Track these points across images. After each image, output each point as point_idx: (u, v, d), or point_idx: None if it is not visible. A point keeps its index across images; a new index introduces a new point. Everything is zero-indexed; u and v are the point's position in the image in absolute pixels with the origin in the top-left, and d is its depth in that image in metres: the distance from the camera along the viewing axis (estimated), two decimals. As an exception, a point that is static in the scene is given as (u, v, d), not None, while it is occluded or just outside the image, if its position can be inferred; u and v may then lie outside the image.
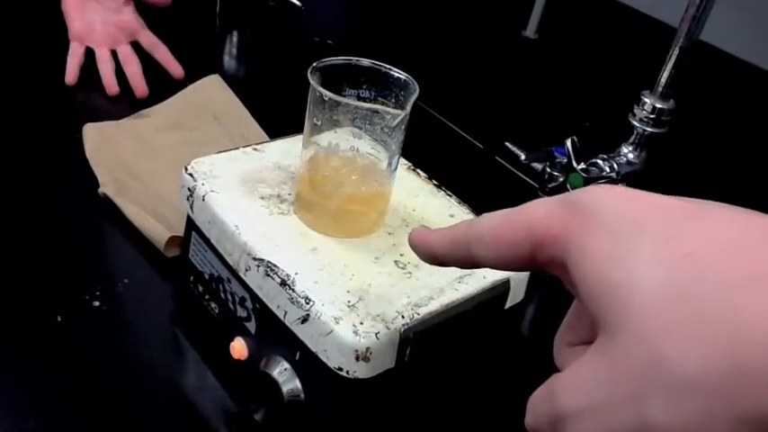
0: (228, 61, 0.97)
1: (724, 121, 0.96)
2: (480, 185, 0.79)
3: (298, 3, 1.00)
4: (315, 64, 0.44)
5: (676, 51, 0.64)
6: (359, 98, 0.46)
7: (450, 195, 0.53)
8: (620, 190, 0.26)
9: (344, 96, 0.45)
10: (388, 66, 0.45)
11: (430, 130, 0.86)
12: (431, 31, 1.11)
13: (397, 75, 0.45)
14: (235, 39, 1.01)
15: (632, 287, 0.22)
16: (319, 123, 0.45)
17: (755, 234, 0.22)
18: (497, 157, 0.84)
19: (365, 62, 0.46)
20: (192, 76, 0.83)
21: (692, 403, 0.20)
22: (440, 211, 0.51)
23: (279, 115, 0.80)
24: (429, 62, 1.00)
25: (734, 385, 0.20)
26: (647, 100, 0.65)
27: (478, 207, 0.55)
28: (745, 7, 0.99)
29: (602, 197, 0.25)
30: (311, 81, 0.43)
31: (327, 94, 0.42)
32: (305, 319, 0.42)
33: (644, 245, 0.23)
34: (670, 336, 0.21)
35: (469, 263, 0.30)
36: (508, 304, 0.49)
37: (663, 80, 0.64)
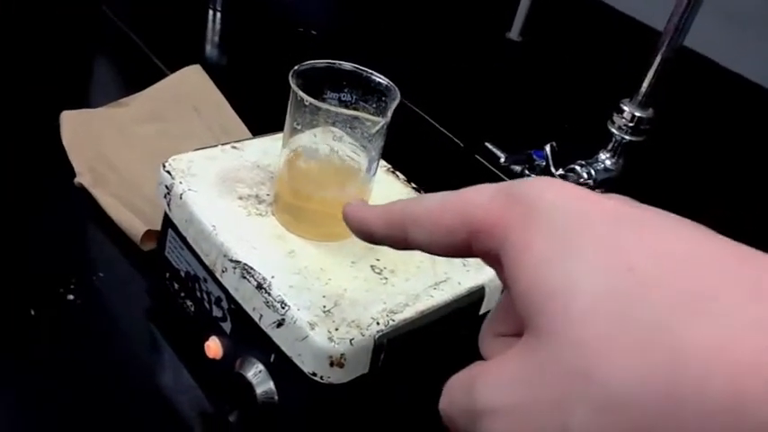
0: (211, 50, 0.96)
1: (703, 129, 0.97)
2: (459, 183, 0.79)
3: (282, -7, 0.99)
4: (296, 67, 0.43)
5: (658, 59, 0.65)
6: (340, 101, 0.46)
7: (428, 199, 0.53)
8: (569, 187, 0.24)
9: (325, 99, 0.45)
10: (370, 70, 0.45)
11: (411, 126, 0.86)
12: (415, 29, 1.10)
13: (378, 80, 0.45)
14: (218, 28, 1.00)
15: (570, 294, 0.21)
16: (299, 127, 0.45)
17: (705, 255, 0.21)
18: (477, 156, 0.84)
19: (347, 66, 0.46)
20: (174, 64, 0.83)
21: (615, 421, 0.20)
22: (418, 215, 0.51)
23: (260, 108, 0.79)
24: (413, 59, 1.00)
25: (662, 411, 0.19)
26: (626, 108, 0.66)
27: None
28: (728, 13, 1.00)
29: (548, 192, 0.24)
30: (292, 85, 0.42)
31: (308, 99, 0.42)
32: (280, 324, 0.42)
33: (587, 251, 0.21)
34: (604, 350, 0.20)
35: (404, 244, 0.29)
36: (483, 310, 0.49)
37: (643, 89, 0.64)
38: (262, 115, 0.77)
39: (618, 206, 0.23)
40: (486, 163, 0.82)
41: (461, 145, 0.86)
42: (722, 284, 0.20)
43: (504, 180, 0.83)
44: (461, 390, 0.24)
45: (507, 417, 0.22)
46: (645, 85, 0.64)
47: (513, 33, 1.05)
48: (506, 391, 0.22)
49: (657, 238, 0.21)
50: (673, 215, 0.23)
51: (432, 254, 0.28)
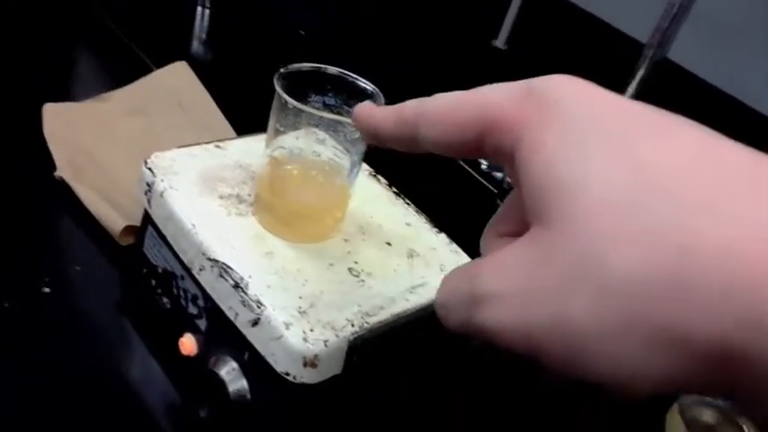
0: (198, 47, 0.96)
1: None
2: (440, 188, 0.80)
3: (271, -7, 0.99)
4: (281, 70, 0.44)
5: (641, 72, 0.66)
6: (324, 105, 0.46)
7: (408, 204, 0.54)
8: (587, 85, 0.24)
9: (309, 102, 0.46)
10: (355, 75, 0.46)
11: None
12: (403, 34, 1.11)
13: (363, 85, 0.46)
14: (206, 25, 1.00)
15: (582, 186, 0.21)
16: (282, 128, 0.45)
17: (715, 156, 0.21)
18: (459, 161, 0.85)
19: (332, 70, 0.46)
20: (161, 61, 0.83)
21: (616, 306, 0.20)
22: (397, 219, 0.52)
23: (245, 106, 0.79)
24: (399, 63, 1.00)
25: (667, 296, 0.19)
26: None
27: (437, 210, 0.55)
28: (713, 26, 1.01)
29: (567, 89, 0.24)
30: (276, 87, 0.43)
31: (292, 102, 0.42)
32: (255, 323, 0.42)
33: (601, 148, 0.22)
34: (613, 238, 0.20)
35: (413, 144, 0.29)
36: (458, 316, 0.49)
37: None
38: (246, 114, 0.77)
39: (634, 106, 0.23)
40: (468, 168, 0.83)
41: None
42: (730, 184, 0.20)
43: (486, 186, 0.84)
44: (463, 278, 0.24)
45: (508, 301, 0.22)
46: (628, 95, 0.65)
47: (500, 42, 1.06)
48: (510, 275, 0.23)
49: (672, 138, 0.22)
50: (689, 120, 0.23)
51: (440, 153, 0.28)
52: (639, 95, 0.67)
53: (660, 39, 0.66)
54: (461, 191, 0.82)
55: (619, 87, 0.69)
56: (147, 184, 0.49)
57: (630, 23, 1.14)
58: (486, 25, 1.10)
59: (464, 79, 1.03)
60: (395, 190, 0.55)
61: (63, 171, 0.65)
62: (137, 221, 0.56)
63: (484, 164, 0.76)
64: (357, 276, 0.46)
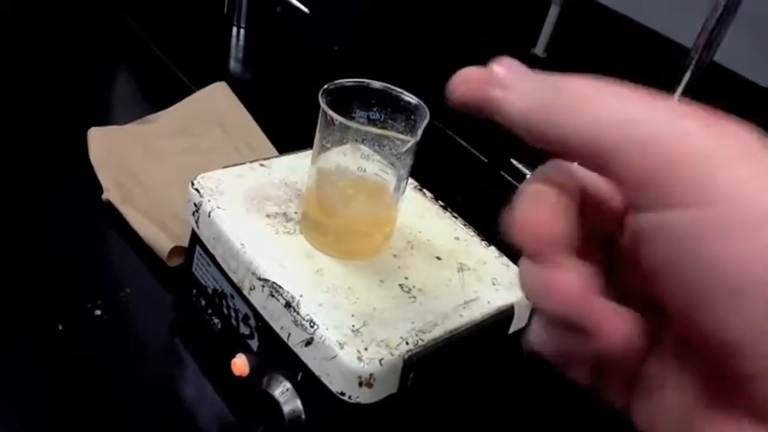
0: (235, 67, 0.97)
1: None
2: (484, 200, 0.79)
3: (305, 9, 1.00)
4: (326, 86, 0.43)
5: (686, 78, 0.64)
6: (369, 120, 0.46)
7: (455, 217, 0.53)
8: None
9: (354, 117, 0.45)
10: (399, 89, 0.45)
11: (436, 141, 0.86)
12: (439, 44, 1.10)
13: (408, 99, 0.45)
14: (242, 44, 1.01)
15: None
16: (328, 145, 0.45)
17: None
18: (502, 173, 0.84)
19: (376, 84, 0.46)
20: (199, 81, 0.83)
21: None
22: (445, 233, 0.51)
23: (285, 123, 0.80)
24: (436, 74, 1.00)
25: None
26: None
27: (484, 222, 0.54)
28: (758, 28, 0.99)
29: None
30: (321, 104, 0.42)
31: (338, 118, 0.42)
32: (308, 342, 0.42)
33: None
34: None
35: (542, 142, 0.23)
36: (512, 329, 0.48)
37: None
38: (286, 131, 0.77)
39: None
40: (512, 179, 0.82)
41: (486, 161, 0.86)
42: None
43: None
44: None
45: None
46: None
47: (539, 49, 1.05)
48: None
49: None
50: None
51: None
52: (687, 98, 0.65)
53: (706, 41, 0.65)
54: (507, 202, 0.81)
55: (665, 93, 0.68)
56: (195, 205, 0.49)
57: (674, 27, 1.12)
58: (525, 33, 1.09)
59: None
60: (441, 203, 0.54)
61: (110, 194, 0.66)
62: (184, 242, 0.56)
63: (528, 174, 0.75)
64: (408, 292, 0.45)
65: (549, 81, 0.24)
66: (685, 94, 0.68)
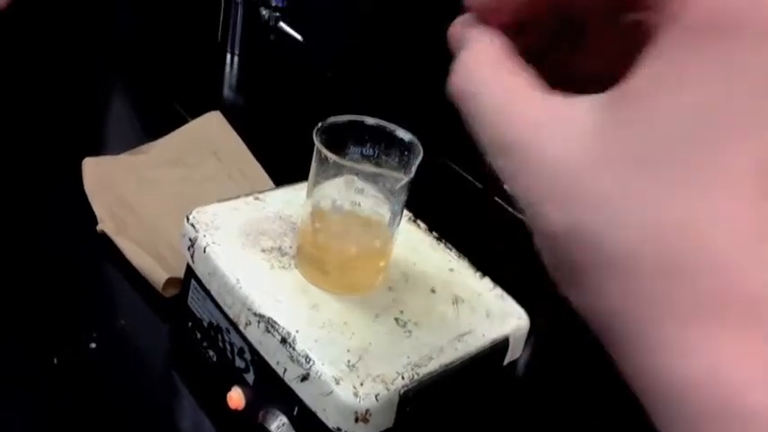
0: (229, 94, 0.98)
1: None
2: (478, 226, 0.79)
3: (299, 37, 1.01)
4: (320, 124, 0.44)
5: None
6: (363, 155, 0.47)
7: (450, 248, 0.54)
8: None
9: (348, 153, 0.46)
10: (393, 125, 0.46)
11: (428, 167, 0.87)
12: (430, 69, 1.11)
13: (401, 135, 0.46)
14: (235, 72, 1.02)
15: None
16: (323, 180, 0.45)
17: None
18: (496, 198, 0.84)
19: (370, 120, 0.46)
20: (193, 109, 0.84)
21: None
22: (440, 265, 0.52)
23: (279, 150, 0.80)
24: (428, 99, 1.01)
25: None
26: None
27: (479, 252, 0.55)
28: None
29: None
30: (316, 142, 0.43)
31: (332, 157, 0.42)
32: (304, 378, 0.42)
33: None
34: None
35: None
36: (506, 361, 0.49)
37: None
38: (280, 158, 0.78)
39: None
40: (506, 205, 0.83)
41: (480, 186, 0.86)
42: None
43: (527, 225, 0.83)
44: None
45: None
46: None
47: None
48: None
49: None
50: None
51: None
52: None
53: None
54: (501, 232, 0.81)
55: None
56: (190, 240, 0.50)
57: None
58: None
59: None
60: (435, 234, 0.55)
61: (104, 225, 0.66)
62: (180, 273, 0.56)
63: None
64: (404, 326, 0.46)
65: None
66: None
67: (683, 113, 0.18)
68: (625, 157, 0.19)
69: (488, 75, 0.23)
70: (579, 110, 0.21)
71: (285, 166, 0.57)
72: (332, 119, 0.45)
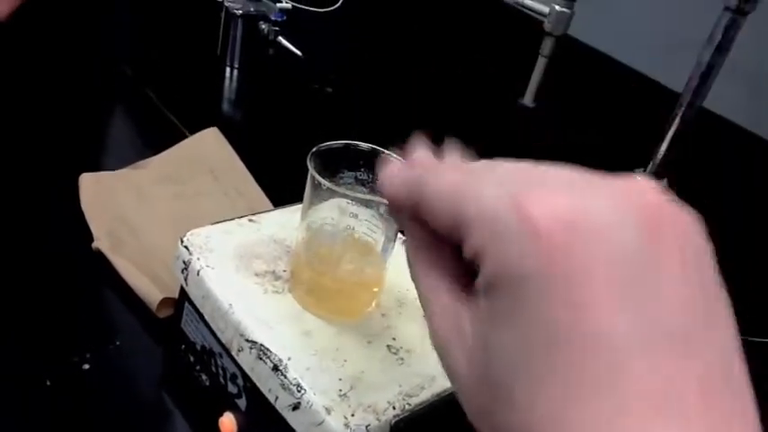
0: (227, 109, 0.98)
1: (719, 195, 0.96)
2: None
3: (297, 52, 1.01)
4: (313, 150, 0.44)
5: (676, 124, 0.65)
6: (356, 180, 0.46)
7: (444, 272, 0.53)
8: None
9: (342, 177, 0.46)
10: (386, 151, 0.46)
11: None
12: (430, 92, 1.11)
13: (395, 161, 0.45)
14: (234, 86, 1.02)
15: None
16: (317, 204, 0.45)
17: None
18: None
19: (364, 146, 0.46)
20: (192, 123, 0.84)
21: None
22: (434, 289, 0.51)
23: (276, 166, 0.80)
24: (426, 121, 1.01)
25: None
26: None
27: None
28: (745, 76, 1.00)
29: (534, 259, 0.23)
30: (310, 168, 0.43)
31: (325, 183, 0.42)
32: (296, 407, 0.42)
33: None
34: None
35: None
36: (500, 388, 0.48)
37: (658, 158, 0.64)
38: (279, 176, 0.77)
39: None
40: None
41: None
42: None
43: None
44: None
45: None
46: (660, 153, 0.64)
47: (527, 100, 1.05)
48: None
49: None
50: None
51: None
52: (669, 155, 0.65)
53: (695, 89, 0.65)
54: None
55: (655, 138, 0.68)
56: (184, 263, 0.50)
57: (663, 73, 1.13)
58: (512, 84, 1.09)
59: (494, 141, 1.03)
60: (430, 257, 0.54)
61: (100, 242, 0.66)
62: (174, 293, 0.56)
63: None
64: (396, 354, 0.45)
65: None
66: (675, 139, 0.69)
67: (514, 346, 0.23)
68: (490, 376, 0.24)
69: (417, 269, 0.31)
70: (466, 322, 0.26)
71: (281, 180, 0.57)
72: (325, 144, 0.45)
